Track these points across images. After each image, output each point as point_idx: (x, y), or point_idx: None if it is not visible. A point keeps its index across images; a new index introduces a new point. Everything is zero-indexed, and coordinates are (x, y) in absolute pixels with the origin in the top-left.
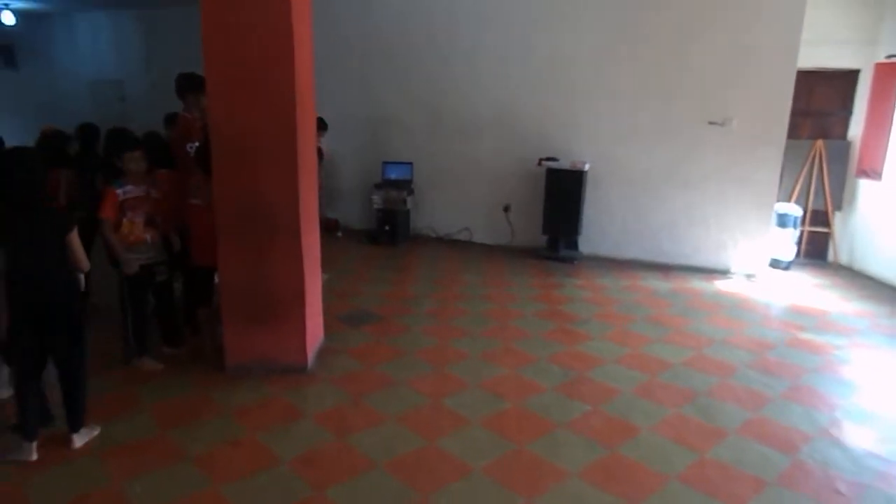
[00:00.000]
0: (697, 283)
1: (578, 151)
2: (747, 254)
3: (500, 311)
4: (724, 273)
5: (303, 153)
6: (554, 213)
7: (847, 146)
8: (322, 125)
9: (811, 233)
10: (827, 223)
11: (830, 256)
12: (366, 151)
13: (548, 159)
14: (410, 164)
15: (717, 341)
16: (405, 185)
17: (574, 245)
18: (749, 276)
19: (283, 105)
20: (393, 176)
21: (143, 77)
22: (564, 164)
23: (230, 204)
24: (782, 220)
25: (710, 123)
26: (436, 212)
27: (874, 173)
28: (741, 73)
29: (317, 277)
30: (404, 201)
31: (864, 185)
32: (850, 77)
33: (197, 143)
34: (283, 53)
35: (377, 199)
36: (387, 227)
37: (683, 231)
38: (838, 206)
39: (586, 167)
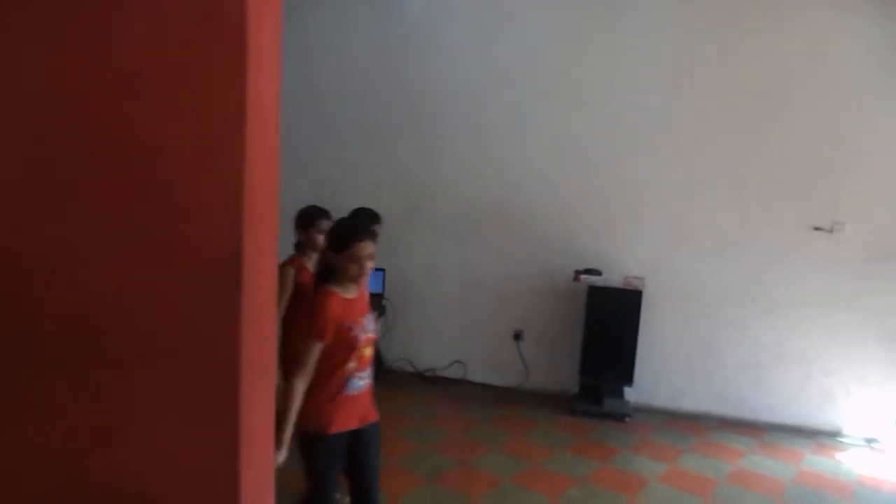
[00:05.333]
0: (815, 460)
1: (624, 260)
2: (864, 408)
3: None
4: (833, 436)
5: (252, 363)
6: (597, 350)
7: None
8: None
9: None
10: None
11: None
12: None
13: (587, 271)
14: (382, 271)
15: None
16: (374, 303)
17: (619, 392)
18: (870, 442)
19: (212, 251)
20: None
21: None
22: (612, 279)
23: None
24: None
25: (816, 229)
26: (415, 338)
27: None
28: (855, 162)
29: None
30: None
31: None
32: None
33: None
34: (228, 116)
35: None
36: None
37: (773, 374)
38: None
39: (644, 285)
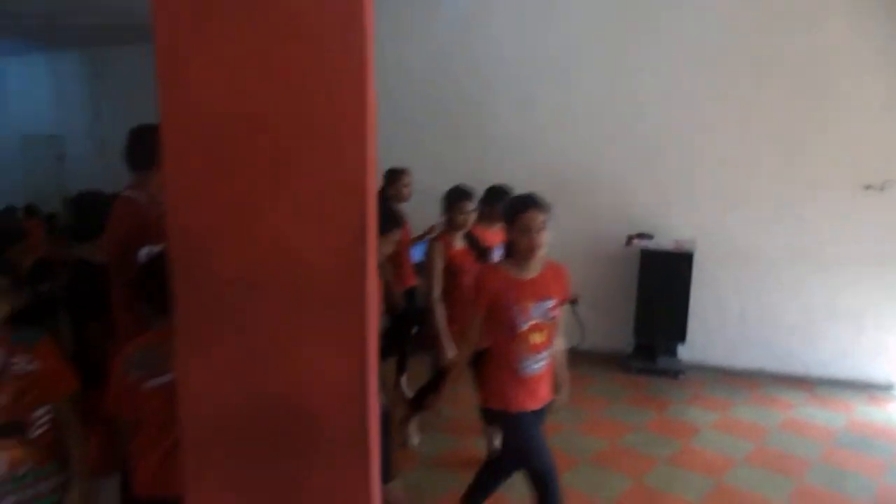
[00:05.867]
0: (866, 410)
1: (675, 224)
2: None
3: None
4: (885, 389)
5: (371, 304)
6: (651, 311)
7: None
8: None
9: None
10: None
11: None
12: None
13: (639, 236)
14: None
15: None
16: None
17: (672, 350)
18: None
19: (345, 216)
20: (416, 259)
21: (89, 132)
22: (664, 243)
23: (215, 397)
24: None
25: (867, 188)
26: None
27: None
28: None
29: None
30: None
31: None
32: None
33: (156, 250)
34: (353, 110)
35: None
36: (416, 329)
37: (824, 330)
38: None
39: (695, 247)
